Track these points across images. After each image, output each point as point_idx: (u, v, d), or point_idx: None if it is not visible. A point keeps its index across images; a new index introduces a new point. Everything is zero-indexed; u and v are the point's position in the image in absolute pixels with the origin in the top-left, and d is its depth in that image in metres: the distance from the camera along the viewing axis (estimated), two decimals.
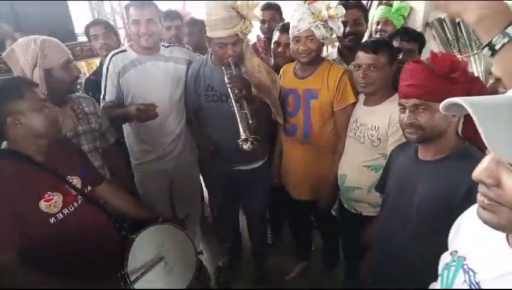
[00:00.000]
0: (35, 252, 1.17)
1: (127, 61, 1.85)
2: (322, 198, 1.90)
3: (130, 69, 1.85)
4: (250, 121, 1.56)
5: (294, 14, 1.71)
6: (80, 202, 1.29)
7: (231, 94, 1.59)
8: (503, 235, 0.62)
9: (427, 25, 2.86)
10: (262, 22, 2.49)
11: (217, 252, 2.65)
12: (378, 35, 2.36)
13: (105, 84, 1.90)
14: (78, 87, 1.78)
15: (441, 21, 2.78)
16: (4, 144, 1.25)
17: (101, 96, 1.92)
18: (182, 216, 2.19)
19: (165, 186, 2.16)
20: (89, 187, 1.37)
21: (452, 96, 1.14)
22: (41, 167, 1.21)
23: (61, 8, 3.97)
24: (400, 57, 1.74)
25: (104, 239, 1.36)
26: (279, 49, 2.09)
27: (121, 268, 1.31)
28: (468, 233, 0.74)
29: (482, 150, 1.14)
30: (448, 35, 2.78)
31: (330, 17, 1.62)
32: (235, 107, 1.57)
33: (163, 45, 1.95)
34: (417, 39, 1.84)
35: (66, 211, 1.23)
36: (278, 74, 1.94)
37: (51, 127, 1.22)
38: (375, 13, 2.47)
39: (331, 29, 1.68)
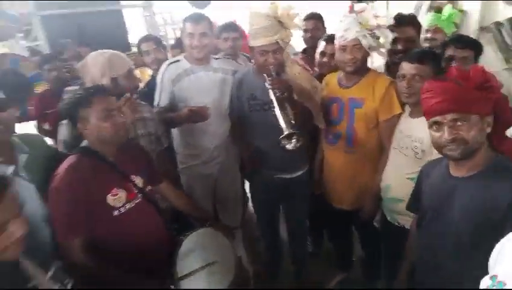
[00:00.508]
0: (96, 243, 1.30)
1: (181, 70, 1.99)
2: (364, 208, 1.89)
3: (183, 78, 1.99)
4: (293, 121, 1.57)
5: (340, 24, 1.75)
6: (139, 199, 1.41)
7: (273, 97, 1.62)
8: None
9: (482, 29, 2.73)
10: (305, 31, 2.55)
11: (257, 257, 2.71)
12: (427, 44, 2.31)
13: (160, 90, 2.06)
14: (136, 95, 1.93)
15: (498, 25, 2.64)
16: (85, 142, 1.41)
17: (155, 103, 2.07)
18: (224, 219, 2.32)
19: (209, 189, 2.26)
20: (149, 187, 1.50)
21: (489, 104, 1.14)
22: (112, 166, 1.36)
23: (118, 20, 4.33)
24: (453, 65, 1.70)
25: (156, 236, 1.47)
26: (324, 59, 2.13)
27: (169, 266, 1.41)
28: (510, 257, 0.73)
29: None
30: (507, 39, 2.63)
31: (378, 26, 1.64)
32: (277, 108, 1.60)
33: (213, 57, 2.07)
34: (472, 46, 1.78)
35: (127, 206, 1.37)
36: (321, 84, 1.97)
37: (116, 134, 1.35)
38: (424, 21, 2.42)
39: (378, 38, 1.70)
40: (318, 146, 2.08)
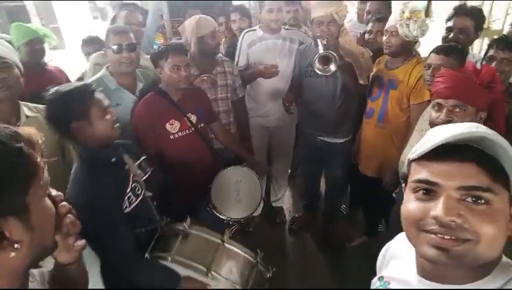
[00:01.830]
0: (160, 156, 1.88)
1: (255, 37, 2.45)
2: (385, 179, 2.15)
3: (256, 43, 2.45)
4: (332, 53, 1.85)
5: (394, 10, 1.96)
6: (191, 131, 1.92)
7: (321, 45, 1.92)
8: (413, 264, 0.71)
9: None
10: (367, 13, 2.71)
11: (296, 206, 3.17)
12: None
13: (239, 52, 2.55)
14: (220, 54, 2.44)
15: None
16: (161, 85, 1.93)
17: (235, 62, 2.57)
18: (275, 170, 2.76)
19: (265, 140, 2.74)
20: (202, 124, 1.98)
21: (487, 102, 1.33)
22: (174, 104, 1.88)
23: None
24: (493, 65, 1.77)
25: (201, 162, 1.97)
26: (371, 36, 2.38)
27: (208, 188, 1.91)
28: (394, 259, 0.84)
29: None
30: None
31: (410, 18, 1.81)
32: (322, 47, 1.90)
33: (284, 27, 2.46)
34: None
35: (180, 134, 1.90)
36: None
37: (179, 83, 1.80)
38: None
39: (410, 30, 1.86)
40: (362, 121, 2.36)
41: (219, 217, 1.86)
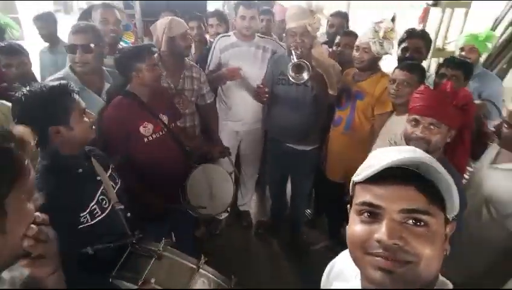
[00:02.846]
0: (132, 162, 1.82)
1: (229, 43, 2.48)
2: (348, 181, 2.25)
3: (229, 49, 2.48)
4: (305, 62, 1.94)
5: (365, 28, 2.09)
6: (164, 132, 1.91)
7: (294, 54, 1.99)
8: (357, 286, 0.72)
9: None
10: (330, 26, 2.86)
11: (263, 210, 3.22)
12: None
13: (211, 57, 2.57)
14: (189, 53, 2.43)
15: None
16: (128, 87, 1.88)
17: (207, 64, 2.58)
18: (244, 171, 2.81)
19: (235, 144, 2.76)
20: (173, 124, 1.99)
21: (460, 122, 1.45)
22: (144, 106, 1.85)
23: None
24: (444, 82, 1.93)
25: (175, 161, 1.97)
26: (338, 49, 2.53)
27: (182, 186, 1.91)
28: (335, 280, 0.86)
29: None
30: None
31: (385, 38, 1.95)
32: (295, 58, 1.97)
33: (258, 35, 2.52)
34: (463, 67, 2.00)
35: (154, 136, 1.87)
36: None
37: (156, 81, 1.86)
38: (460, 39, 2.59)
39: (383, 48, 2.01)
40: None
41: (194, 213, 1.87)
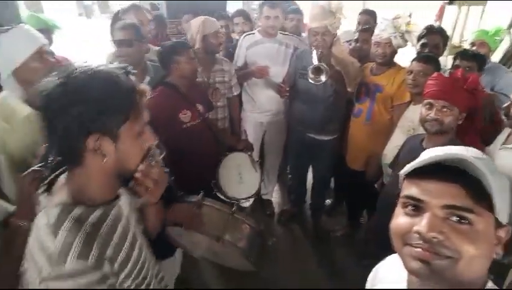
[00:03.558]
0: (172, 145, 2.02)
1: (253, 40, 2.67)
2: (368, 169, 2.40)
3: (254, 46, 2.67)
4: (324, 66, 2.09)
5: (380, 25, 2.23)
6: (200, 120, 2.11)
7: (315, 54, 2.16)
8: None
9: None
10: (358, 23, 3.01)
11: (285, 199, 3.38)
12: None
13: (238, 54, 2.76)
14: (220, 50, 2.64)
15: None
16: (169, 79, 2.08)
17: (234, 62, 2.77)
18: (267, 161, 2.98)
19: (259, 134, 2.94)
20: (207, 114, 2.20)
21: (469, 105, 1.58)
22: (184, 96, 2.06)
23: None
24: None
25: (209, 147, 2.16)
26: (357, 44, 2.66)
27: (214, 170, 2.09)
28: (382, 281, 0.85)
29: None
30: None
31: (407, 31, 2.09)
32: (316, 59, 2.13)
33: (280, 33, 2.69)
34: (476, 59, 2.13)
35: (191, 123, 2.07)
36: None
37: (193, 73, 2.06)
38: (471, 34, 2.70)
39: (407, 40, 2.14)
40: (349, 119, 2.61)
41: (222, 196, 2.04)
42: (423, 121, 1.63)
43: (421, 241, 0.61)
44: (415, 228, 0.62)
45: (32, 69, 1.34)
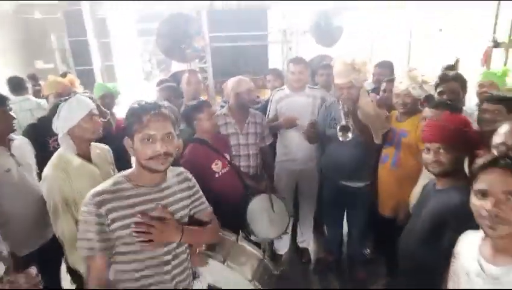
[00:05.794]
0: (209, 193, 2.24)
1: (283, 95, 2.91)
2: (399, 216, 2.36)
3: (284, 100, 2.90)
4: (351, 125, 2.20)
5: (397, 77, 2.34)
6: (228, 168, 2.34)
7: (342, 109, 2.27)
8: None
9: None
10: (373, 75, 3.14)
11: (321, 247, 3.34)
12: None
13: (270, 107, 3.01)
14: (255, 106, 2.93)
15: None
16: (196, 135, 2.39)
17: (266, 114, 3.01)
18: (301, 208, 3.06)
19: (293, 182, 3.06)
20: (233, 161, 2.41)
21: (466, 142, 1.61)
22: (212, 148, 2.31)
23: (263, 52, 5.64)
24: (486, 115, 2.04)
25: (238, 191, 2.35)
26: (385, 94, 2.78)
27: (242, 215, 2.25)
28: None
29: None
30: None
31: (423, 82, 2.18)
32: (343, 115, 2.24)
33: (308, 86, 2.91)
34: (503, 101, 2.08)
35: (223, 171, 2.31)
36: None
37: (214, 128, 2.33)
38: (480, 76, 2.71)
39: (426, 90, 2.22)
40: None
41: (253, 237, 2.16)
42: (426, 165, 1.65)
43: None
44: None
45: (84, 129, 1.70)
